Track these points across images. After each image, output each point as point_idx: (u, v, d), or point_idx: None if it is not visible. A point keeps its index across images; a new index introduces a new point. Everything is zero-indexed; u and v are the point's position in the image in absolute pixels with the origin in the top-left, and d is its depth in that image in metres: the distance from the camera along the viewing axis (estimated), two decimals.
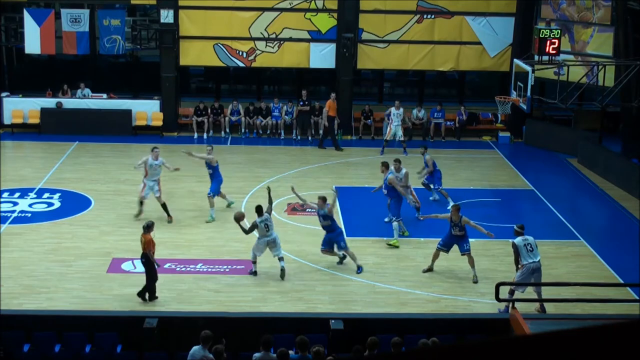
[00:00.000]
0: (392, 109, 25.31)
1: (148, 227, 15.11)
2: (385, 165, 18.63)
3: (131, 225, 18.48)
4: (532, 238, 14.62)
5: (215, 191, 19.39)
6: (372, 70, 28.88)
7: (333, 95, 26.35)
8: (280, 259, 16.10)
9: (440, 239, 16.43)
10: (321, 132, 26.11)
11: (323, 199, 16.52)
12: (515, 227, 14.97)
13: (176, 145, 26.23)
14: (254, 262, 16.17)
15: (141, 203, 19.14)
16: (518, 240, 14.55)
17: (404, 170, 18.59)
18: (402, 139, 25.35)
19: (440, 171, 20.64)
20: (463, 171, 23.87)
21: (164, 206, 19.05)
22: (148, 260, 14.85)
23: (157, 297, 15.05)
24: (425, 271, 16.43)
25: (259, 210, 16.15)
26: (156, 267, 14.99)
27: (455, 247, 16.23)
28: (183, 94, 28.45)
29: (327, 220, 16.53)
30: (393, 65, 28.13)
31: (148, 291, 14.99)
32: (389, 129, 25.15)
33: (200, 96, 28.40)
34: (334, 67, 27.50)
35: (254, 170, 23.37)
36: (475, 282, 16.01)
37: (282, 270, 16.02)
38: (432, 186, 20.62)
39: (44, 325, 12.55)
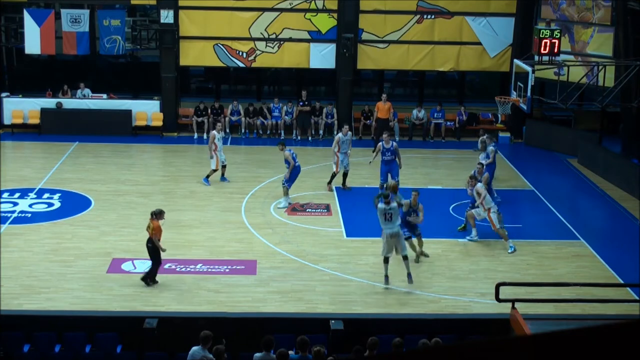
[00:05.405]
0: (340, 135, 21.47)
1: (158, 215, 15.43)
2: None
3: (131, 225, 18.49)
4: (396, 207, 15.45)
5: None
6: (372, 70, 28.88)
7: (384, 96, 26.15)
8: None
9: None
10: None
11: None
12: (382, 195, 15.77)
13: (176, 145, 26.26)
14: None
15: None
16: (380, 205, 15.40)
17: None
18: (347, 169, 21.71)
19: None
20: (463, 171, 23.83)
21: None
22: (154, 245, 15.26)
23: (157, 282, 15.48)
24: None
25: None
26: (161, 251, 15.42)
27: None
28: (183, 94, 28.44)
29: None
30: (393, 65, 28.13)
31: (150, 274, 15.41)
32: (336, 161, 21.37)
33: (200, 96, 28.40)
34: (334, 67, 27.50)
35: (254, 170, 23.38)
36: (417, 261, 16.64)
37: None
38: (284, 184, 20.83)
39: (44, 326, 12.56)
